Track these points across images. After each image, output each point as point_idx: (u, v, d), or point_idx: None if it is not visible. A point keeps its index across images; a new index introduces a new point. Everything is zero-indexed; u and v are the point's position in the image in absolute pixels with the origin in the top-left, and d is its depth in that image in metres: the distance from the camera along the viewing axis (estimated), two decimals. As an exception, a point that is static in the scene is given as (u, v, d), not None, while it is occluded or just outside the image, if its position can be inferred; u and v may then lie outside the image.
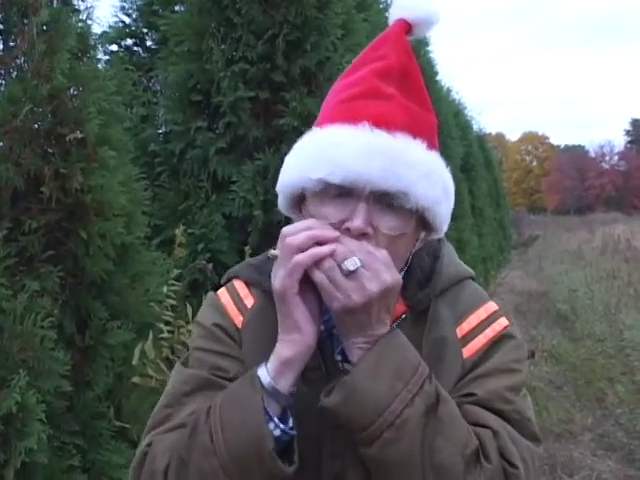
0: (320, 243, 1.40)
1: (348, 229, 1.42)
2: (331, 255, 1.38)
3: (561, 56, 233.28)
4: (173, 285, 3.94)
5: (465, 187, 13.54)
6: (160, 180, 5.13)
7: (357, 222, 1.42)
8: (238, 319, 1.64)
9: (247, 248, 4.42)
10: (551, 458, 6.89)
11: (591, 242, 30.39)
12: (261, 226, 4.86)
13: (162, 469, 1.47)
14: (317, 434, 1.53)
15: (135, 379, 3.31)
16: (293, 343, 1.44)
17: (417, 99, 1.54)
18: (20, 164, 2.98)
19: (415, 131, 1.48)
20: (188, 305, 3.98)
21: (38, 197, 3.03)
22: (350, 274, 1.37)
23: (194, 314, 3.93)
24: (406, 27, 1.57)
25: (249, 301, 1.66)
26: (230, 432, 1.41)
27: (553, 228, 45.41)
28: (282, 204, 1.61)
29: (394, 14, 1.59)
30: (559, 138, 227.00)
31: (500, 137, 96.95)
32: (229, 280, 1.73)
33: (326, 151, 1.46)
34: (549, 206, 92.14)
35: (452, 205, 1.59)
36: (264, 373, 1.45)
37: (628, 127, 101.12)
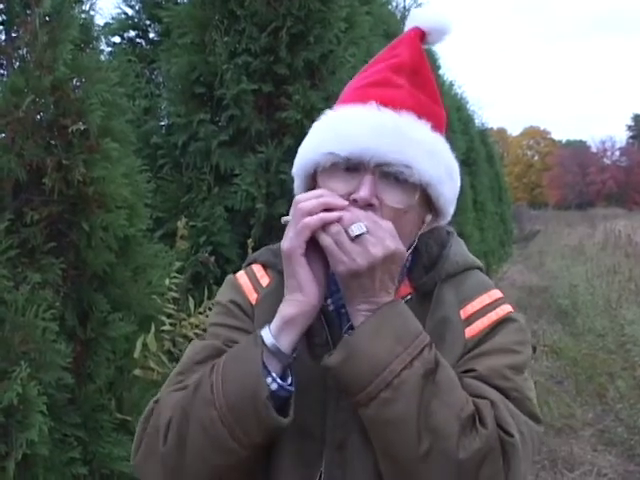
0: (329, 210, 1.48)
1: (355, 200, 1.51)
2: (338, 221, 1.46)
3: (563, 50, 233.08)
4: (175, 278, 3.93)
5: (467, 181, 13.52)
6: (162, 172, 5.12)
7: (363, 192, 1.50)
8: (253, 296, 1.73)
9: (250, 241, 4.42)
10: (552, 453, 6.92)
11: (592, 237, 30.32)
12: (263, 219, 4.86)
13: (165, 423, 1.53)
14: (322, 405, 1.59)
15: (136, 372, 3.31)
16: (296, 302, 1.51)
17: (427, 92, 1.65)
18: (22, 155, 2.97)
19: (420, 113, 1.58)
20: (190, 298, 3.98)
21: (40, 189, 3.03)
22: (356, 238, 1.45)
23: (196, 307, 3.93)
24: (420, 34, 1.68)
25: (264, 280, 1.75)
26: (229, 383, 1.48)
27: (554, 223, 45.31)
28: (298, 187, 1.70)
29: (410, 22, 1.71)
30: (561, 133, 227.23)
31: (502, 132, 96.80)
32: (249, 264, 1.81)
33: (335, 127, 1.58)
34: (550, 201, 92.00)
35: (457, 189, 1.70)
36: (267, 332, 1.52)
37: (630, 122, 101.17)
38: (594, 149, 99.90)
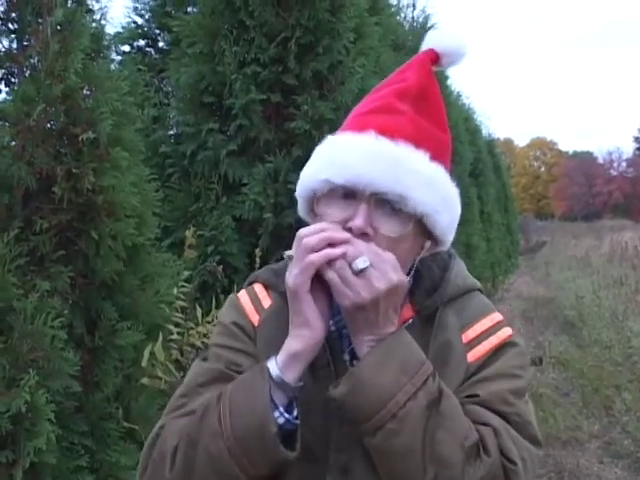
0: (332, 244, 1.48)
1: (350, 229, 1.51)
2: (342, 256, 1.47)
3: (570, 61, 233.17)
4: (183, 287, 3.94)
5: (474, 192, 13.52)
6: (171, 181, 5.15)
7: (358, 221, 1.51)
8: (255, 318, 1.74)
9: (257, 251, 4.43)
10: (558, 465, 6.89)
11: (599, 249, 30.29)
12: (271, 229, 4.87)
13: (171, 449, 1.55)
14: (324, 428, 1.61)
15: (144, 380, 3.31)
16: (302, 338, 1.52)
17: (432, 119, 1.64)
18: (32, 164, 2.99)
19: (419, 142, 1.57)
20: (198, 307, 3.98)
21: (50, 197, 3.04)
22: (359, 273, 1.46)
23: (204, 316, 3.93)
24: (433, 56, 1.68)
25: (266, 302, 1.76)
26: (237, 416, 1.50)
27: (560, 234, 45.26)
28: (301, 209, 1.71)
29: (426, 44, 1.70)
30: (567, 144, 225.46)
31: (508, 142, 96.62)
32: (250, 284, 1.82)
33: (333, 154, 1.59)
34: (557, 212, 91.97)
35: (456, 218, 1.67)
36: (273, 365, 1.53)
37: (637, 134, 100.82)
38: (601, 160, 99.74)
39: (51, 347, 2.89)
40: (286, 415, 1.51)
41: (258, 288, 1.79)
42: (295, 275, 1.50)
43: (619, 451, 7.40)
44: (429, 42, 1.70)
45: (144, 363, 3.28)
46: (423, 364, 1.49)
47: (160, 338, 3.40)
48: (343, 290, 1.46)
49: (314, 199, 1.64)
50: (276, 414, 1.49)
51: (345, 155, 1.55)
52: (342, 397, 1.48)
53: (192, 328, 3.87)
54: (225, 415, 1.50)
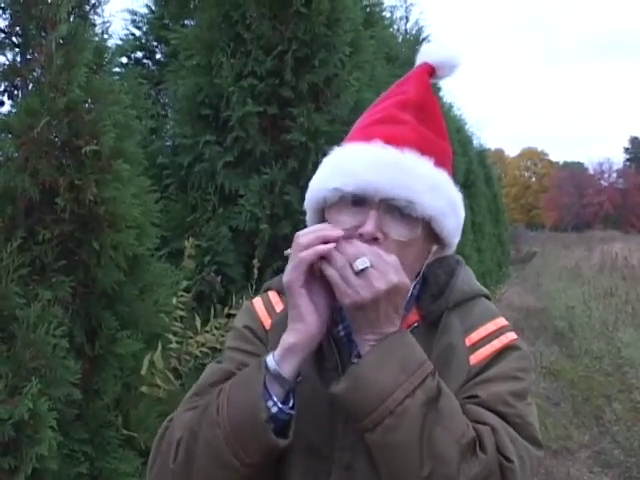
0: (326, 242, 1.54)
1: (361, 235, 1.56)
2: (340, 253, 1.52)
3: (561, 72, 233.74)
4: (182, 296, 3.98)
5: (466, 203, 13.51)
6: (168, 192, 5.19)
7: (368, 227, 1.56)
8: (267, 322, 1.79)
9: (255, 261, 4.47)
10: (548, 474, 6.91)
11: (589, 259, 30.39)
12: (267, 240, 4.91)
13: (176, 441, 1.61)
14: (330, 427, 1.65)
15: (143, 389, 3.34)
16: (297, 331, 1.57)
17: (432, 128, 1.71)
18: (36, 175, 3.03)
19: (423, 149, 1.63)
20: (197, 316, 4.02)
21: (52, 208, 3.08)
22: (360, 272, 1.50)
23: (202, 325, 3.97)
24: (429, 69, 1.75)
25: (279, 307, 1.80)
26: (233, 405, 1.55)
27: (551, 245, 45.32)
28: (310, 220, 1.75)
29: (420, 58, 1.77)
30: (558, 154, 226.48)
31: (499, 153, 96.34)
32: (265, 291, 1.88)
33: (342, 164, 1.64)
34: (547, 222, 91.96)
35: (461, 221, 1.75)
36: (270, 358, 1.58)
37: (627, 145, 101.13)
38: (591, 171, 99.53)
39: (53, 355, 2.94)
40: (280, 405, 1.55)
41: (272, 294, 1.84)
42: (289, 271, 1.55)
43: (609, 461, 7.43)
44: (424, 55, 1.77)
45: (143, 371, 3.31)
46: (423, 363, 1.52)
47: (159, 347, 3.43)
48: (344, 289, 1.50)
49: (324, 209, 1.69)
50: (269, 403, 1.54)
51: (354, 164, 1.60)
52: (342, 393, 1.51)
53: (191, 337, 3.90)
54: (223, 405, 1.56)
